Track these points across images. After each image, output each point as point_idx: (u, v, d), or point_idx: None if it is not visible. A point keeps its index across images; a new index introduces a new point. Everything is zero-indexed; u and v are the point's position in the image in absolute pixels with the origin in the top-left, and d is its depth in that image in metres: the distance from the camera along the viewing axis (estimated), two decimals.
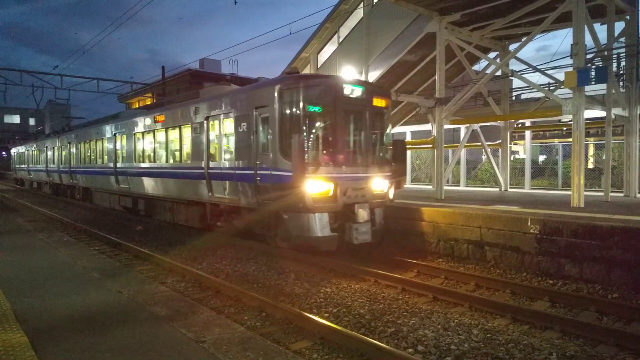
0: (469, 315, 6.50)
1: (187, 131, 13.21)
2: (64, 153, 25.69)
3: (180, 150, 13.74)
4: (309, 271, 9.01)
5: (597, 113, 14.53)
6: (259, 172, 9.95)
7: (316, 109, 9.54)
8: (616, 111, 14.46)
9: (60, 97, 33.81)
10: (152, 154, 15.40)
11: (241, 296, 7.34)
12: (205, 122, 12.16)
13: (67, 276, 7.49)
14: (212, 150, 12.14)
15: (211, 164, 12.02)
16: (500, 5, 13.63)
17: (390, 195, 10.41)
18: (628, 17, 15.11)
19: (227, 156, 11.44)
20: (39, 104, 30.27)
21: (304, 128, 9.36)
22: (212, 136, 12.10)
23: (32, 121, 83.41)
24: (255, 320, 6.40)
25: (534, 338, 5.69)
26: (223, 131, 11.56)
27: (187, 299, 6.65)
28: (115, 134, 18.12)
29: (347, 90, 9.75)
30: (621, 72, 16.22)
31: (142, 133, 15.88)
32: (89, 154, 21.76)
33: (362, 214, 9.39)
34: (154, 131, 15.09)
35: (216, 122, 11.77)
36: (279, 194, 9.32)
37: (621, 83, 15.96)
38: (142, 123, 15.85)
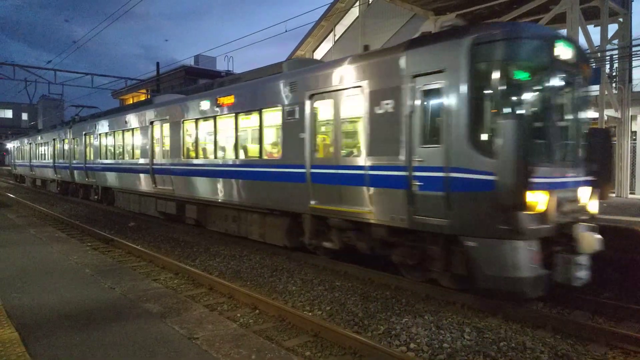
0: None
1: (272, 116, 9.99)
2: (77, 147, 21.92)
3: (260, 142, 10.21)
4: (302, 269, 9.00)
5: (590, 114, 14.64)
6: (416, 173, 6.88)
7: (524, 75, 6.63)
8: (609, 112, 14.58)
9: (53, 92, 33.55)
10: (211, 148, 12.00)
11: (234, 293, 7.33)
12: (308, 102, 8.81)
13: (58, 272, 7.45)
14: (318, 142, 8.87)
15: (316, 161, 8.72)
16: (495, 6, 13.71)
17: (595, 209, 7.18)
18: (621, 20, 15.25)
19: (348, 150, 8.32)
20: (32, 98, 29.96)
21: (513, 106, 6.40)
22: (319, 122, 8.91)
23: (24, 116, 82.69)
24: (249, 318, 6.40)
25: None
26: (340, 114, 8.28)
27: (180, 295, 6.63)
28: (152, 123, 14.50)
29: (559, 50, 6.62)
30: (614, 73, 16.36)
31: (196, 121, 12.35)
32: (111, 147, 18.17)
33: (589, 240, 6.34)
34: (214, 118, 11.55)
35: (327, 102, 8.54)
36: (463, 208, 6.34)
37: (614, 85, 16.10)
38: (196, 108, 12.35)
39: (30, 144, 32.31)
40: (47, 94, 32.60)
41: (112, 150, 18.13)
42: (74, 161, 22.21)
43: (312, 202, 8.67)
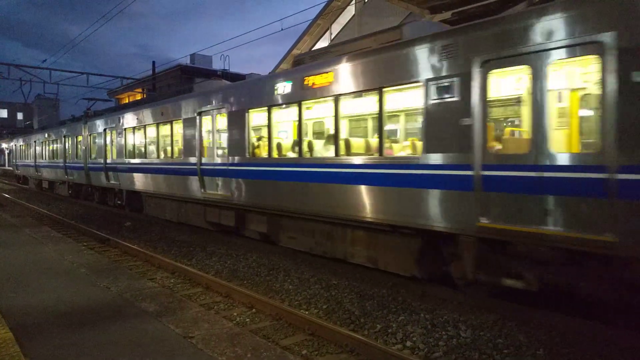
0: None
1: (405, 98, 7.77)
2: (94, 144, 19.21)
3: (380, 132, 7.49)
4: (299, 268, 8.99)
5: None
6: None
7: None
8: None
9: (48, 91, 33.44)
10: (289, 143, 10.06)
11: (231, 292, 7.31)
12: (477, 72, 6.07)
13: (54, 272, 7.42)
14: (489, 130, 6.18)
15: (492, 159, 6.01)
16: (491, 4, 13.71)
17: None
18: None
19: (574, 140, 5.97)
20: (27, 98, 29.80)
21: None
22: (496, 101, 6.70)
23: (20, 115, 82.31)
24: (245, 317, 6.38)
25: None
26: (544, 86, 5.52)
27: (176, 295, 6.62)
28: (200, 114, 11.77)
29: None
30: None
31: (269, 109, 9.62)
32: (141, 144, 15.38)
33: None
34: (299, 104, 8.86)
35: (514, 71, 6.09)
36: None
37: None
38: (267, 93, 9.66)
39: (35, 142, 28.98)
40: (42, 94, 32.43)
41: (142, 148, 15.25)
42: (91, 161, 19.32)
43: (483, 220, 6.01)
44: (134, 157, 15.53)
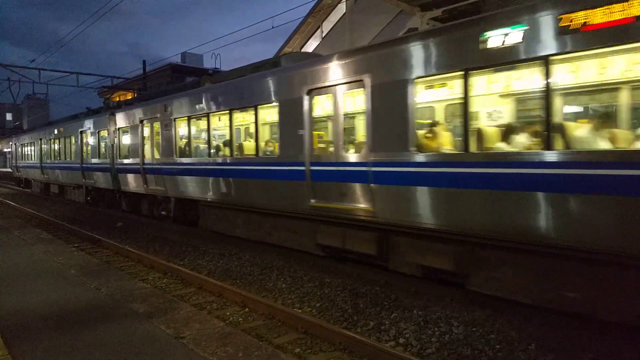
0: None
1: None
2: (126, 141, 15.58)
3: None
4: (291, 266, 8.97)
5: None
6: None
7: None
8: None
9: (38, 91, 33.10)
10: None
11: (224, 292, 7.28)
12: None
13: (43, 273, 7.34)
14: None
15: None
16: (480, 2, 13.75)
17: None
18: None
19: None
20: (16, 98, 29.47)
21: None
22: None
23: (9, 116, 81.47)
24: (238, 316, 6.35)
25: None
26: None
27: (167, 295, 6.58)
28: (310, 93, 8.46)
29: None
30: None
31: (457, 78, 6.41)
32: (200, 139, 12.30)
33: None
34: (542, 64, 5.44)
35: None
36: None
37: None
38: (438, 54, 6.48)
39: (41, 139, 24.79)
40: (31, 94, 32.09)
41: (203, 144, 12.00)
42: (119, 161, 15.72)
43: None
44: (190, 156, 11.99)
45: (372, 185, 7.35)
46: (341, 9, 22.15)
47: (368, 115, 7.38)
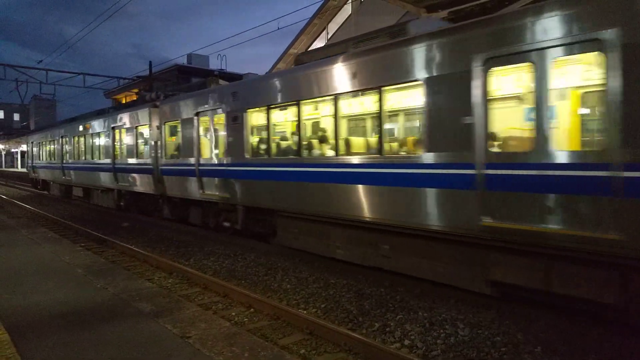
0: None
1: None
2: (175, 138, 13.38)
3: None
4: (297, 267, 8.98)
5: None
6: None
7: None
8: None
9: (45, 92, 33.33)
10: None
11: (229, 292, 7.30)
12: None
13: (50, 273, 7.39)
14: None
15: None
16: (487, 3, 13.72)
17: None
18: None
19: None
20: (23, 99, 29.69)
21: None
22: None
23: (16, 116, 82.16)
24: (243, 316, 6.37)
25: None
26: None
27: (173, 295, 6.60)
28: (486, 66, 6.02)
29: None
30: None
31: None
32: (288, 135, 10.32)
33: None
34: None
35: None
36: None
37: None
38: None
39: (62, 138, 22.03)
40: (38, 94, 32.33)
41: (290, 141, 9.85)
42: (165, 161, 13.39)
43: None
44: (271, 155, 9.72)
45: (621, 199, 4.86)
46: (347, 10, 22.17)
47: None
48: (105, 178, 17.42)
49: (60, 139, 22.33)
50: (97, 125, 18.07)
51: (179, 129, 12.70)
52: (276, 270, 8.73)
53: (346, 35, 21.52)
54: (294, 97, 9.02)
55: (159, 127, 13.71)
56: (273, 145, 9.85)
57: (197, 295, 7.38)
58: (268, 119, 9.62)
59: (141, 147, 14.88)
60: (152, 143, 13.95)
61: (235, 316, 6.37)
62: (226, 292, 7.34)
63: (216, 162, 11.19)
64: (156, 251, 10.65)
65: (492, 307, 6.42)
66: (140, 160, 14.73)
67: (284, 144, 10.06)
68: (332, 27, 23.52)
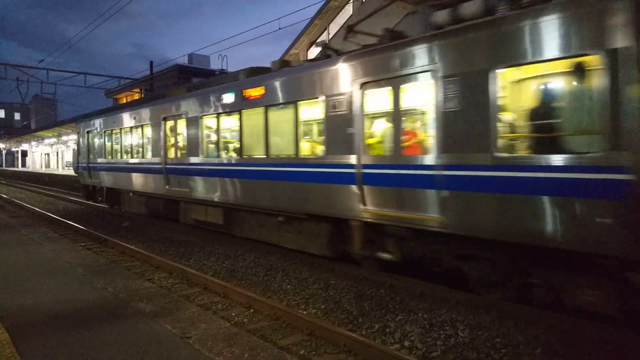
0: None
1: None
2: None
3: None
4: (297, 268, 8.98)
5: None
6: None
7: None
8: None
9: (46, 91, 33.38)
10: None
11: (229, 292, 7.29)
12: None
13: (50, 272, 7.39)
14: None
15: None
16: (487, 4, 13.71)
17: None
18: None
19: None
20: (24, 98, 29.73)
21: None
22: None
23: (17, 116, 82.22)
24: (243, 317, 6.37)
25: None
26: None
27: (173, 295, 6.60)
28: None
29: None
30: None
31: None
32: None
33: None
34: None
35: None
36: None
37: None
38: None
39: (139, 126, 14.71)
40: (39, 94, 32.39)
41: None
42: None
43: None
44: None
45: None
46: (348, 10, 22.17)
47: None
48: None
49: (164, 123, 13.10)
50: (227, 102, 10.90)
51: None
52: (276, 270, 8.73)
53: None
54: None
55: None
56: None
57: (197, 296, 7.37)
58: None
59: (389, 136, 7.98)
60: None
61: (235, 316, 6.37)
62: (226, 293, 7.34)
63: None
64: (156, 251, 10.65)
65: (493, 309, 6.42)
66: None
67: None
68: (333, 28, 23.53)
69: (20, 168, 64.89)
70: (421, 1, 14.05)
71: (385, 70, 7.34)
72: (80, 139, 19.79)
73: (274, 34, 17.52)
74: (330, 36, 23.60)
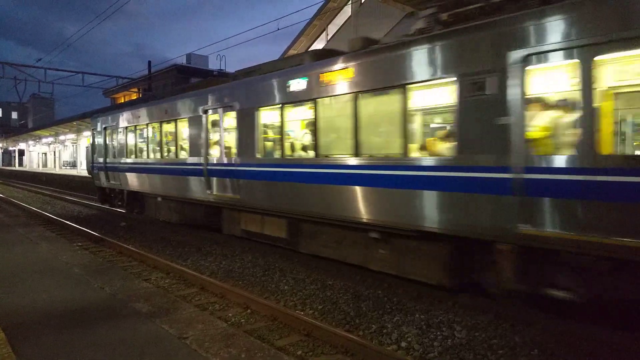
0: None
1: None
2: None
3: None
4: (294, 268, 8.98)
5: None
6: None
7: None
8: None
9: (43, 90, 33.29)
10: None
11: (226, 293, 7.29)
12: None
13: (47, 272, 7.37)
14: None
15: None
16: (487, 6, 13.75)
17: None
18: None
19: None
20: (21, 97, 29.65)
21: None
22: None
23: (14, 115, 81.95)
24: (240, 317, 6.36)
25: None
26: None
27: (170, 295, 6.59)
28: None
29: None
30: None
31: None
32: None
33: None
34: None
35: None
36: None
37: None
38: None
39: (171, 120, 12.66)
40: (37, 93, 32.31)
41: None
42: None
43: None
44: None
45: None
46: (347, 12, 22.21)
47: None
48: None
49: (205, 117, 11.17)
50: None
51: None
52: (273, 271, 8.73)
53: (346, 37, 21.54)
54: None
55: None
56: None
57: (194, 296, 7.37)
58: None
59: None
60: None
61: (233, 317, 6.36)
62: (223, 293, 7.33)
63: None
64: (153, 251, 10.63)
65: (490, 310, 6.43)
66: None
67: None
68: (332, 28, 23.56)
69: (17, 167, 64.70)
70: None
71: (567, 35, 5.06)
72: (96, 136, 17.23)
73: (273, 35, 17.52)
74: (329, 37, 23.64)
